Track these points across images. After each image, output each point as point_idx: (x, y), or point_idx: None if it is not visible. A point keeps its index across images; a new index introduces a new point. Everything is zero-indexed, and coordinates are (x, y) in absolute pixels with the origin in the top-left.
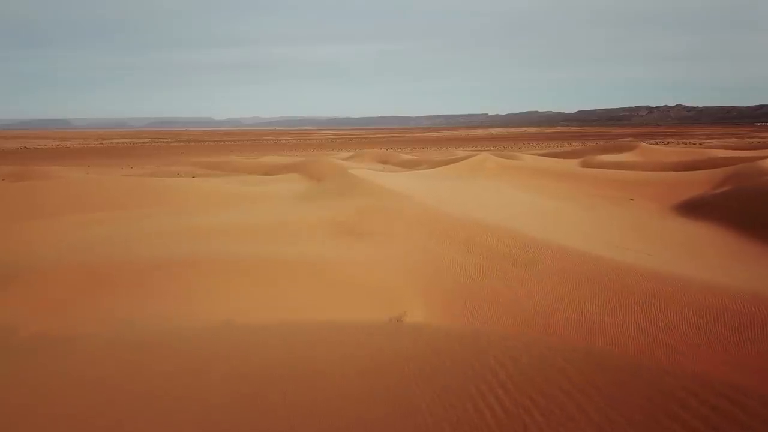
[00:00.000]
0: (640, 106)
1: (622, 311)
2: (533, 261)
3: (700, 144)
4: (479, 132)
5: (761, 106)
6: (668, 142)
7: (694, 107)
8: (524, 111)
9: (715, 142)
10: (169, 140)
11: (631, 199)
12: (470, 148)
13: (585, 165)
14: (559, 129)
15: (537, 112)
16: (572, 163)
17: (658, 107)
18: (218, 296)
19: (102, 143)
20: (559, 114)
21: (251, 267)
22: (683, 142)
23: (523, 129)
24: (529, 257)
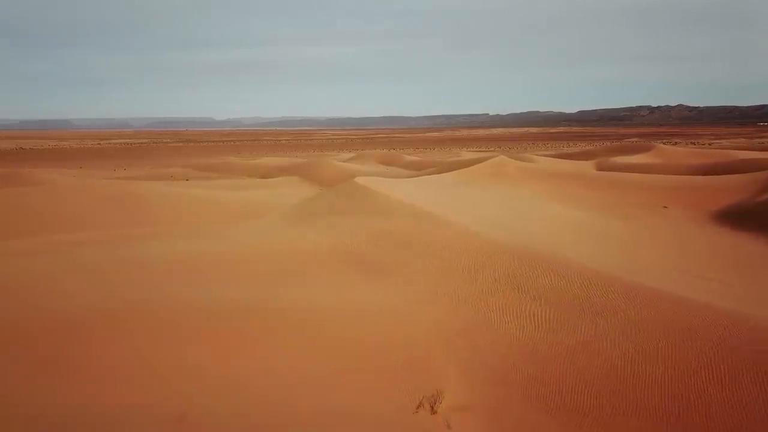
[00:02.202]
0: (641, 106)
1: (756, 392)
2: (611, 309)
3: (710, 144)
4: (481, 132)
5: (763, 106)
6: (676, 143)
7: (696, 107)
8: (525, 111)
9: (724, 142)
10: (168, 140)
11: (665, 207)
12: (475, 149)
13: (601, 167)
14: (561, 129)
15: (538, 112)
16: (588, 165)
17: (659, 107)
18: (171, 373)
19: (100, 144)
20: (560, 114)
21: (222, 321)
22: (692, 143)
23: (525, 129)
24: (604, 303)
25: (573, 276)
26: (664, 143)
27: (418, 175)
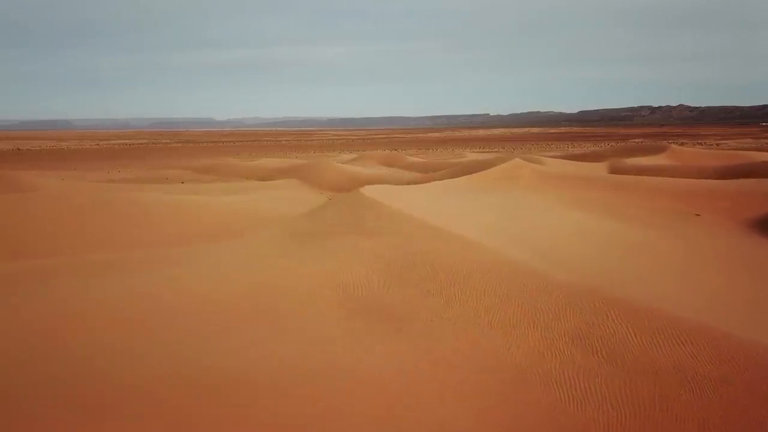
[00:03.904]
0: (642, 106)
1: None
2: (724, 378)
3: (717, 145)
4: (482, 132)
5: (764, 106)
6: (682, 143)
7: (697, 107)
8: (525, 111)
9: (731, 143)
10: (167, 141)
11: (697, 215)
12: (478, 149)
13: (614, 169)
14: (562, 129)
15: (538, 112)
16: (600, 167)
17: (660, 107)
18: None
19: (98, 144)
20: (561, 114)
21: (182, 401)
22: (699, 143)
23: (527, 129)
24: (714, 371)
25: (660, 331)
26: (669, 144)
27: (425, 179)
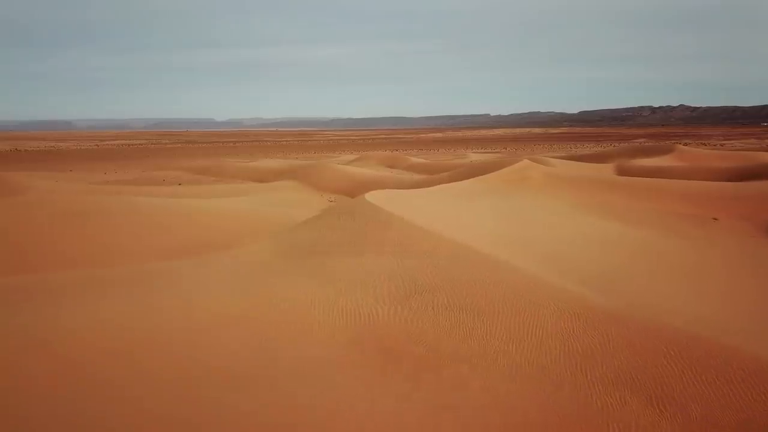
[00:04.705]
0: (642, 107)
1: None
2: None
3: (721, 145)
4: (483, 132)
5: (765, 107)
6: (686, 143)
7: (698, 107)
8: (526, 111)
9: (736, 143)
10: (166, 142)
11: (715, 219)
12: (480, 150)
13: (621, 171)
14: (563, 129)
15: (539, 112)
16: (607, 168)
17: (661, 107)
18: None
19: (97, 145)
20: (562, 114)
21: None
22: (703, 144)
23: (528, 129)
24: None
25: (720, 371)
26: (679, 144)
27: (431, 181)
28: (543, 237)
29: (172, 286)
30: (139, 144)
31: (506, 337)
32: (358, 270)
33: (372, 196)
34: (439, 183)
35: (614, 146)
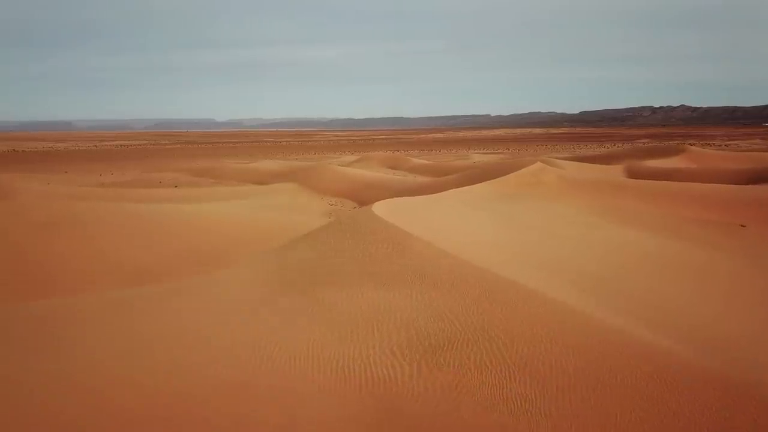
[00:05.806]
0: (643, 107)
1: None
2: None
3: (726, 146)
4: (484, 133)
5: (767, 107)
6: (691, 144)
7: (699, 107)
8: (527, 112)
9: (741, 144)
10: (166, 142)
11: (742, 226)
12: (482, 151)
13: (631, 173)
14: (564, 130)
15: (540, 113)
16: (616, 170)
17: (661, 107)
18: None
19: (96, 146)
20: (563, 115)
21: None
22: (707, 144)
23: (529, 130)
24: None
25: None
26: (689, 145)
27: (437, 184)
28: (580, 257)
29: (122, 332)
30: (138, 145)
31: (561, 397)
32: (366, 308)
33: (380, 208)
34: (447, 187)
35: (619, 147)
